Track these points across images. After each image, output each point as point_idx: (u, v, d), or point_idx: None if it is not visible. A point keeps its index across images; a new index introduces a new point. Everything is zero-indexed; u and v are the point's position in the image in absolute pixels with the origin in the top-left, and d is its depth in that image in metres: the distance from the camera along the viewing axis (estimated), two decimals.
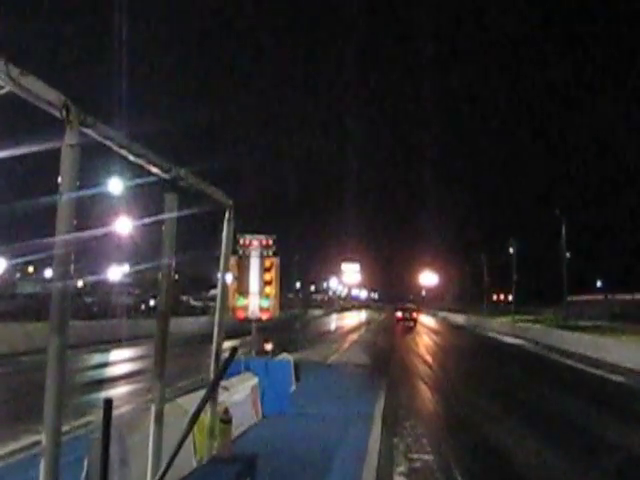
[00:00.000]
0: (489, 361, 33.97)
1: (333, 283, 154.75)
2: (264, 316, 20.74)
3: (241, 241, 20.69)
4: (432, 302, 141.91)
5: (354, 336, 50.56)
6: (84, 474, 7.15)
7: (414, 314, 72.23)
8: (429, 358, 33.31)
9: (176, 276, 47.29)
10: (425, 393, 20.90)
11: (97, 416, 7.83)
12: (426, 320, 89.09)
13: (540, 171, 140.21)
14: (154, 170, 6.33)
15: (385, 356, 32.20)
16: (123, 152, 5.63)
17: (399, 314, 72.49)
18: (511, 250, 66.43)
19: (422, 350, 38.34)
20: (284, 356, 19.76)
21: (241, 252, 20.67)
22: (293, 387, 17.70)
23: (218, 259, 8.36)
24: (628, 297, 74.58)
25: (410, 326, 67.08)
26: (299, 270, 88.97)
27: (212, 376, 7.97)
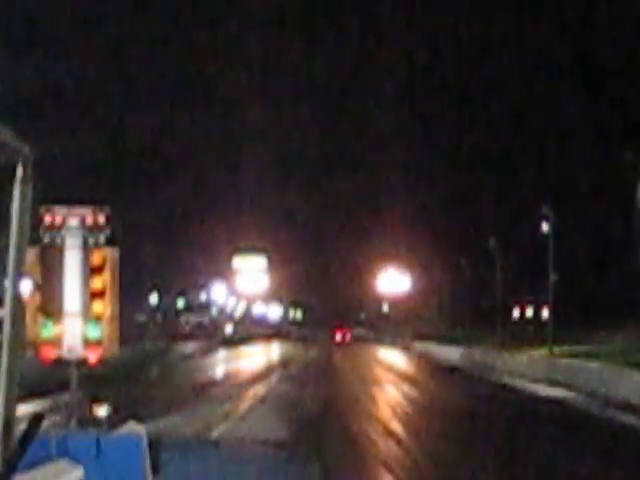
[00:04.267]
0: (513, 436, 19.88)
1: (219, 293, 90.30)
2: (92, 355, 14.97)
3: (47, 218, 14.24)
4: (402, 324, 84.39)
5: (259, 389, 32.13)
6: None
7: (347, 335, 64.20)
8: (397, 427, 21.85)
9: None
10: None
11: None
12: (392, 356, 59.34)
13: None
14: None
15: (316, 425, 21.41)
16: None
17: (338, 337, 64.04)
18: (545, 227, 38.06)
19: (385, 413, 25.88)
20: (131, 428, 10.78)
21: (47, 239, 14.45)
22: None
23: (2, 252, 4.05)
24: None
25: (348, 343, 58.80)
26: (156, 271, 55.94)
27: None
